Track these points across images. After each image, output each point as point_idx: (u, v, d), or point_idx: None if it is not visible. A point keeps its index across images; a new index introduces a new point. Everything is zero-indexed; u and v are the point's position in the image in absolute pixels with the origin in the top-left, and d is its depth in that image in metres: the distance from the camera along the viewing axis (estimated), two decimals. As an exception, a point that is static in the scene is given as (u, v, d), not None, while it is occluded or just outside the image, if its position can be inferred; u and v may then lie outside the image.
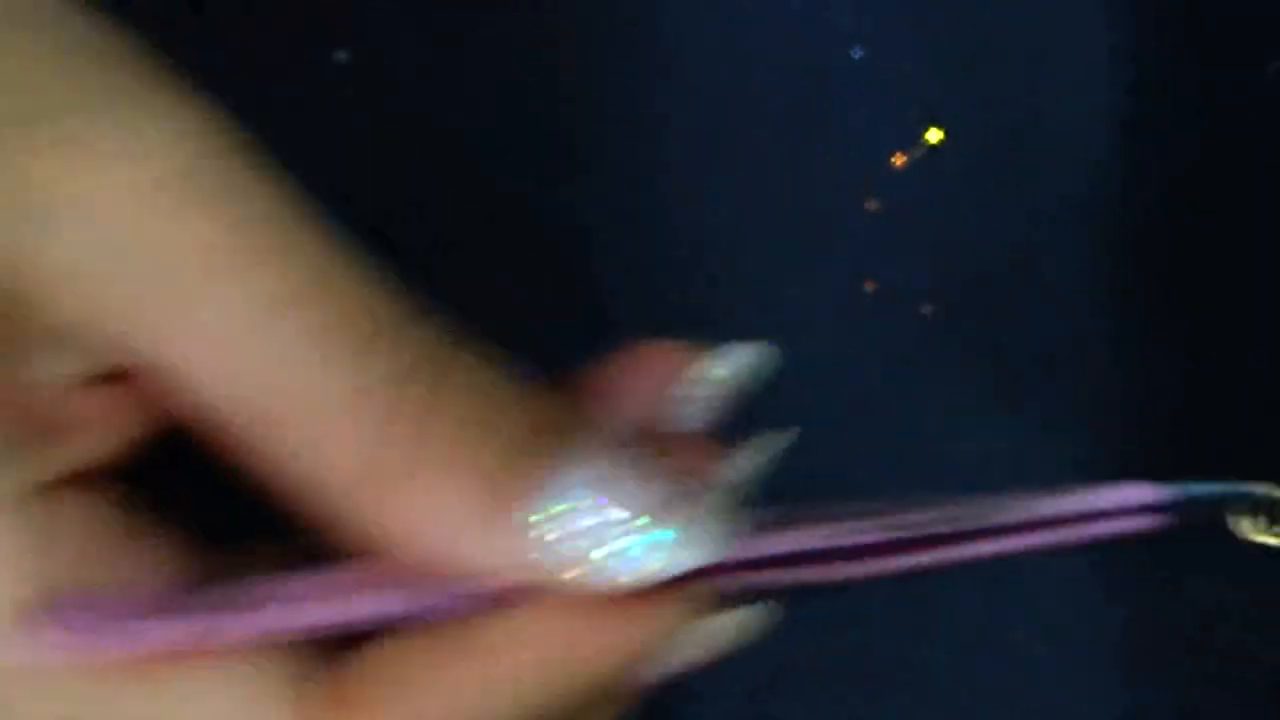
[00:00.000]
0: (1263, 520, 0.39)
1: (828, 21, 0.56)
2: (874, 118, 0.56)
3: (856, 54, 0.56)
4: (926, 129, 0.56)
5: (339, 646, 0.35)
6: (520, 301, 0.57)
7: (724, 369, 0.40)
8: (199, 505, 0.37)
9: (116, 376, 0.35)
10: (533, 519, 0.34)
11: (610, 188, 0.57)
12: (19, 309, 0.34)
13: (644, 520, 0.35)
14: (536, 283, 0.57)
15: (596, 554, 0.34)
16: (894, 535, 0.37)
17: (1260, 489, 0.39)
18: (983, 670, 0.56)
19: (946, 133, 0.56)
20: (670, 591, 0.35)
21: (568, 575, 0.34)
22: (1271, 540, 0.39)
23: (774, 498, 0.57)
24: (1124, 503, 0.38)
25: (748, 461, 0.38)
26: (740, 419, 0.57)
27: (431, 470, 0.34)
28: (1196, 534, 0.56)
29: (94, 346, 0.35)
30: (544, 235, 0.57)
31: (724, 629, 0.39)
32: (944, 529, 0.38)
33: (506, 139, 0.57)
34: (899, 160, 0.57)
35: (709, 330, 0.57)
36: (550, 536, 0.34)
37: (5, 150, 0.33)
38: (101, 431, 0.35)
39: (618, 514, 0.34)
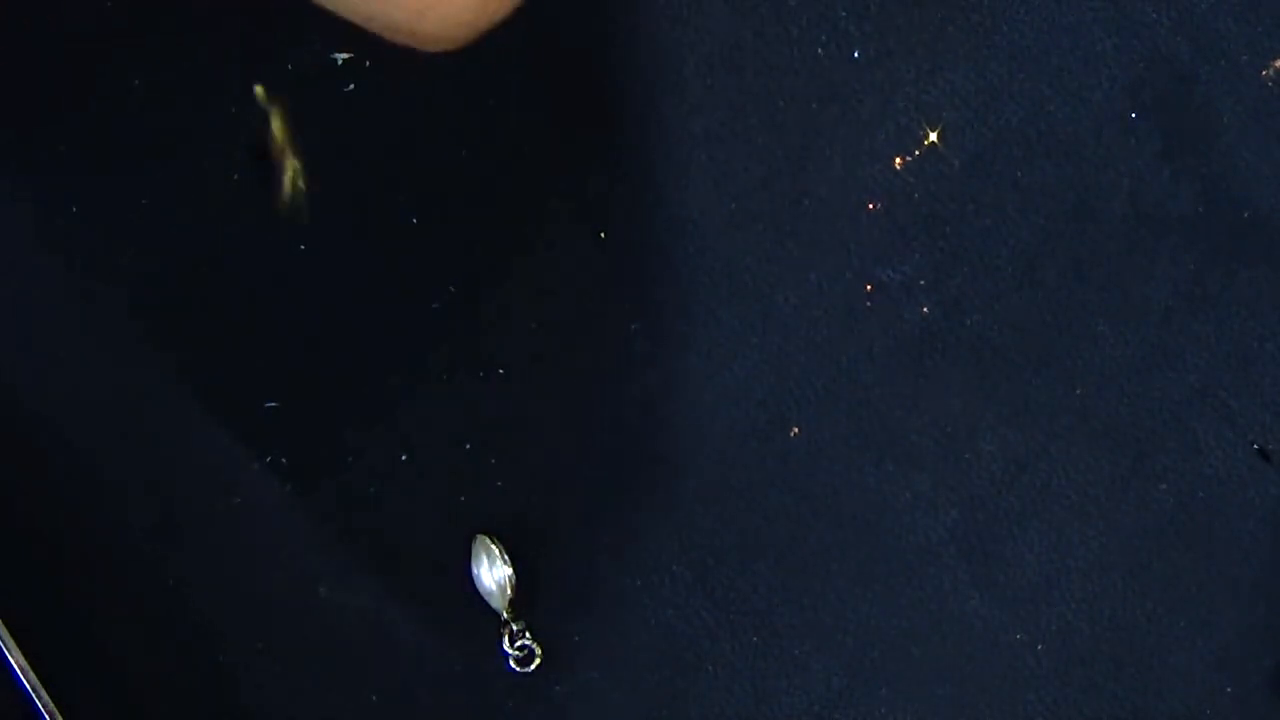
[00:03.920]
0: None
1: (828, 22, 0.56)
2: (874, 118, 0.56)
3: (856, 54, 0.56)
4: (926, 129, 0.56)
5: None
6: (521, 297, 0.57)
7: None
8: None
9: None
10: None
11: (610, 188, 0.57)
12: None
13: None
14: (537, 279, 0.57)
15: None
16: None
17: None
18: (982, 669, 0.56)
19: (946, 133, 0.56)
20: None
21: None
22: None
23: (773, 496, 0.57)
24: None
25: None
26: (738, 417, 0.57)
27: None
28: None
29: None
30: (545, 233, 0.57)
31: None
32: None
33: (507, 138, 0.57)
34: (899, 160, 0.56)
35: (710, 328, 0.57)
36: None
37: None
38: None
39: None
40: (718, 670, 0.56)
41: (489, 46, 0.57)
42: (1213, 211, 0.57)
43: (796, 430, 0.56)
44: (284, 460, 0.56)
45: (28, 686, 0.54)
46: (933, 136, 0.56)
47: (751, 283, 0.56)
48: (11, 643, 0.55)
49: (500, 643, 0.56)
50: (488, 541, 0.56)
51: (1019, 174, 0.56)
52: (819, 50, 0.56)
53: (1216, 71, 0.56)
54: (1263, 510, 0.56)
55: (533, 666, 0.56)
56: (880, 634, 0.56)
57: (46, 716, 0.54)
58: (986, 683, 0.56)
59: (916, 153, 0.56)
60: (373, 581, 0.56)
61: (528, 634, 0.56)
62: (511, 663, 0.56)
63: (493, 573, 0.55)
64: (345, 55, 0.57)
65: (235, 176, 0.57)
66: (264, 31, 0.57)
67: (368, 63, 0.57)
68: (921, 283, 0.56)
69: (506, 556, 0.56)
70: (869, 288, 0.56)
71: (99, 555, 0.56)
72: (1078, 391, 0.56)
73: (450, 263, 0.57)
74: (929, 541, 0.56)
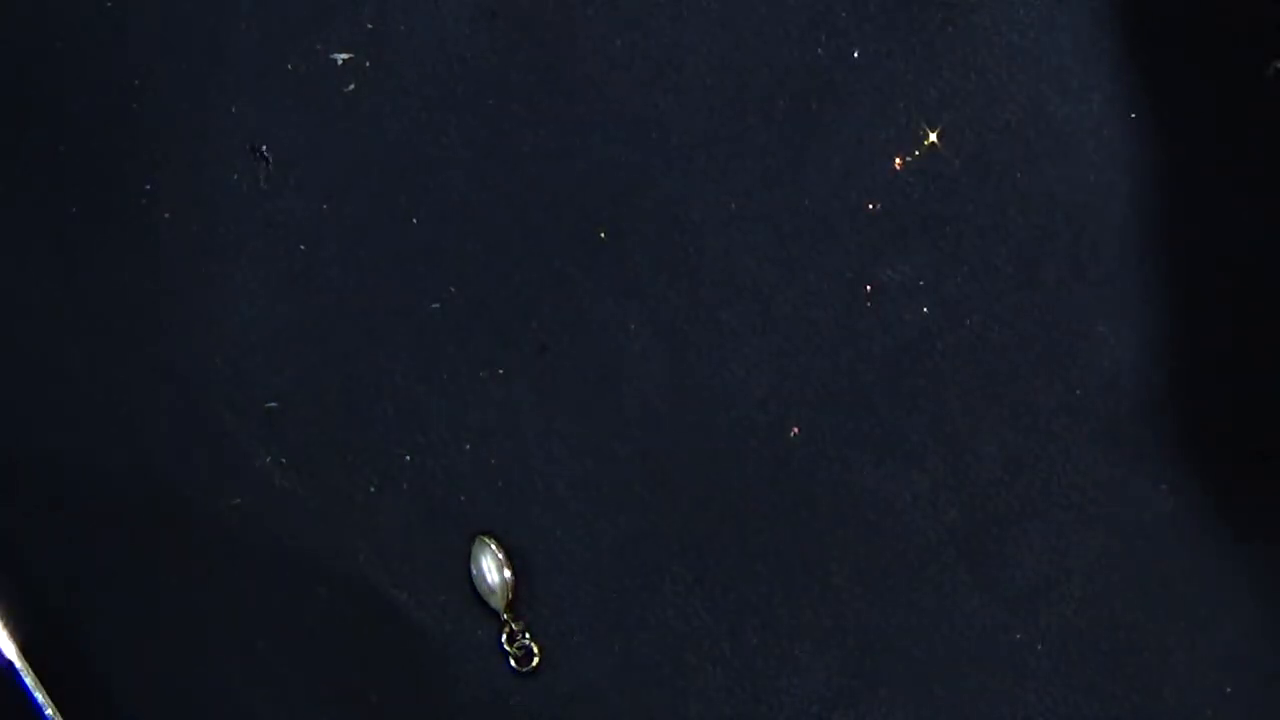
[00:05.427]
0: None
1: (828, 22, 0.56)
2: (874, 118, 0.56)
3: (856, 54, 0.56)
4: (926, 129, 0.56)
5: None
6: (521, 297, 0.57)
7: None
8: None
9: None
10: None
11: (613, 188, 0.57)
12: None
13: None
14: (537, 279, 0.57)
15: None
16: None
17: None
18: (982, 669, 0.56)
19: (946, 133, 0.56)
20: None
21: None
22: None
23: (773, 496, 0.57)
24: None
25: None
26: (738, 417, 0.57)
27: None
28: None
29: None
30: (545, 233, 0.57)
31: None
32: None
33: (507, 137, 0.57)
34: (899, 160, 0.57)
35: (710, 328, 0.57)
36: None
37: None
38: None
39: None
40: (718, 670, 0.56)
41: (488, 46, 0.57)
42: (1213, 212, 0.57)
43: (796, 430, 0.56)
44: (284, 460, 0.56)
45: (27, 685, 0.54)
46: (933, 136, 0.56)
47: (751, 283, 0.56)
48: (10, 643, 0.55)
49: (500, 643, 0.56)
50: (488, 541, 0.56)
51: (1019, 174, 0.56)
52: (819, 50, 0.57)
53: (1218, 71, 0.56)
54: (1262, 510, 0.56)
55: (533, 666, 0.56)
56: (880, 634, 0.56)
57: (45, 716, 0.54)
58: (986, 683, 0.56)
59: (916, 153, 0.56)
60: (373, 581, 0.56)
61: (528, 634, 0.56)
62: (511, 663, 0.56)
63: (492, 573, 0.55)
64: (345, 55, 0.57)
65: (235, 176, 0.57)
66: (264, 31, 0.57)
67: (368, 63, 0.57)
68: (921, 283, 0.56)
69: (506, 556, 0.56)
70: (869, 288, 0.56)
71: (98, 555, 0.56)
72: (1077, 392, 0.56)
73: (450, 263, 0.57)
74: (929, 541, 0.56)
